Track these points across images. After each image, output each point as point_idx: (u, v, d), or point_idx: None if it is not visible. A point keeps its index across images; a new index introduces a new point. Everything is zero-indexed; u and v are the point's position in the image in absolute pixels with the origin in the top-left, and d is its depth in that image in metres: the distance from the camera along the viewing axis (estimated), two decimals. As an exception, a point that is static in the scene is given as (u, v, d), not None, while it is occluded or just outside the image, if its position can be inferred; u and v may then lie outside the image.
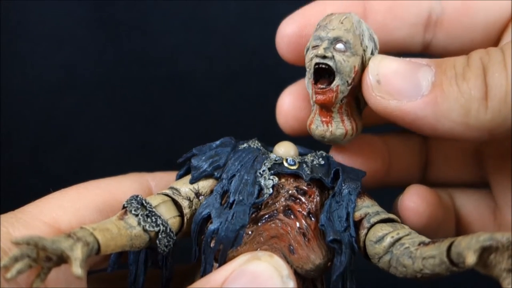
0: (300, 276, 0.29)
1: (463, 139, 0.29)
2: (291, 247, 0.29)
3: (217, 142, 0.32)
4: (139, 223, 0.28)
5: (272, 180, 0.30)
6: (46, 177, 0.56)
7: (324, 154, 0.32)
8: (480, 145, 0.37)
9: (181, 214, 0.30)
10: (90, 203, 0.30)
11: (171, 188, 0.31)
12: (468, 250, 0.23)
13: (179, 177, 0.32)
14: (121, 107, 0.58)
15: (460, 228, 0.38)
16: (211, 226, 0.29)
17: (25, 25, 0.56)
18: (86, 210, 0.30)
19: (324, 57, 0.30)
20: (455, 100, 0.28)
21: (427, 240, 0.27)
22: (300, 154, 0.32)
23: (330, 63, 0.29)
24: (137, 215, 0.28)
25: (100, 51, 0.57)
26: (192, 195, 0.31)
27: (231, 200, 0.29)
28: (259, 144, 0.32)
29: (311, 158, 0.32)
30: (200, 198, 0.30)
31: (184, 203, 0.30)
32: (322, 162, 0.31)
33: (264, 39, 0.57)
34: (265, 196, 0.29)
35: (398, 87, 0.29)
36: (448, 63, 0.29)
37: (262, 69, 0.57)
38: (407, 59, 0.30)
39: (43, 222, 0.28)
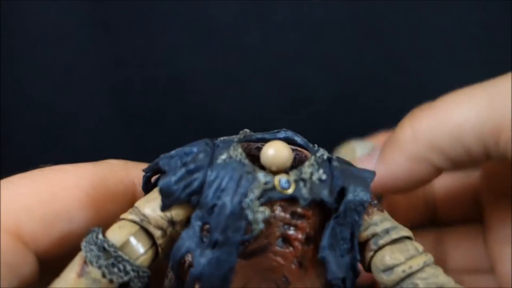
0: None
1: None
2: (286, 279, 0.26)
3: (190, 151, 0.27)
4: (104, 276, 0.24)
5: (263, 212, 0.25)
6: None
7: (326, 156, 0.27)
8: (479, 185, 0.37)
9: (154, 242, 0.26)
10: (62, 207, 0.26)
11: (138, 212, 0.26)
12: None
13: (145, 185, 0.28)
14: (121, 107, 0.58)
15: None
16: (193, 271, 0.25)
17: (25, 25, 0.56)
18: (56, 218, 0.26)
19: None
20: None
21: (445, 283, 0.25)
22: (299, 145, 0.28)
23: None
24: (100, 267, 0.23)
25: (100, 51, 0.57)
26: (165, 224, 0.26)
27: (214, 238, 0.25)
28: (242, 151, 0.27)
29: (309, 170, 0.26)
30: (175, 226, 0.26)
31: (157, 233, 0.26)
32: (324, 177, 0.26)
33: (264, 39, 0.57)
34: (254, 232, 0.25)
35: None
36: None
37: (262, 69, 0.56)
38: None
39: (4, 231, 0.25)
